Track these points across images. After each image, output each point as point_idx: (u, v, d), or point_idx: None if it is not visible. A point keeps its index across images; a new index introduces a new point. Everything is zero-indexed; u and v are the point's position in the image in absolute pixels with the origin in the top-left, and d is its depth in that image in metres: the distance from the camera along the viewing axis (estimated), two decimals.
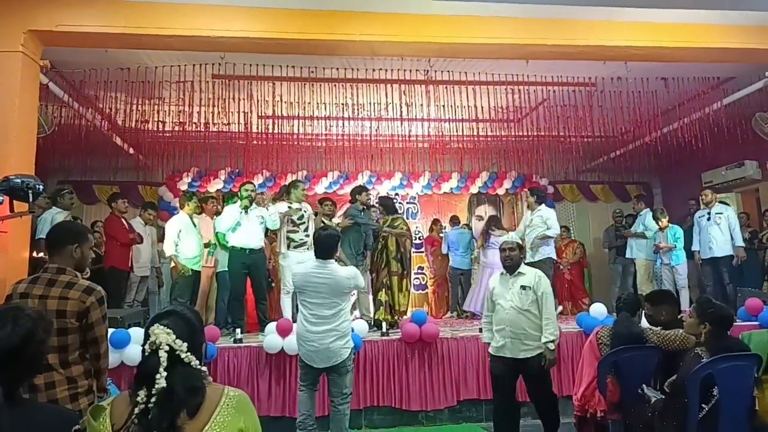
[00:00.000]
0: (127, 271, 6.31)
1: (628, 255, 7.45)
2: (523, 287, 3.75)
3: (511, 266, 3.83)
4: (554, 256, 6.50)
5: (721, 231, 6.55)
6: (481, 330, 4.19)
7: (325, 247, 3.69)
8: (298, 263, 5.67)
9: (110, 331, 3.95)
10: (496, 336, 3.80)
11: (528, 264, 6.05)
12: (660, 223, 6.96)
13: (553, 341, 3.65)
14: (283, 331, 4.79)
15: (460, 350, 5.10)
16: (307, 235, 5.79)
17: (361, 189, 6.26)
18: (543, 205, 6.45)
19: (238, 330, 5.15)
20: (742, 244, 6.51)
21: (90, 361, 2.40)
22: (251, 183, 6.04)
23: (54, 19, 4.20)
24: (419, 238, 9.01)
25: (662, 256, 6.92)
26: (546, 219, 6.26)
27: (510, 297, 3.76)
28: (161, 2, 4.28)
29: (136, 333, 4.53)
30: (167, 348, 1.45)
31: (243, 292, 5.72)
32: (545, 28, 4.66)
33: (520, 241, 4.39)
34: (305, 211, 5.92)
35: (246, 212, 5.59)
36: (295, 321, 4.94)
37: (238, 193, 5.81)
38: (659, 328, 3.44)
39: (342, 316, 3.63)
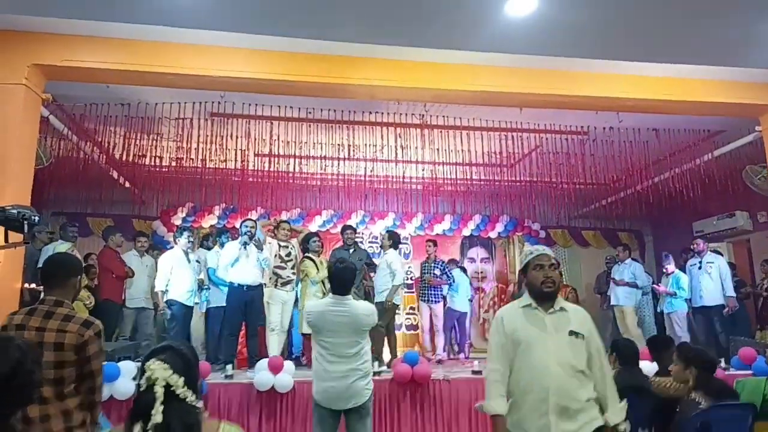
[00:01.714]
0: (120, 304, 6.34)
1: (613, 302, 7.40)
2: (574, 334, 2.38)
3: (551, 294, 2.45)
4: (397, 302, 6.14)
5: (712, 280, 6.57)
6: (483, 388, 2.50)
7: (342, 282, 3.45)
8: (283, 303, 5.68)
9: None
10: (525, 409, 2.32)
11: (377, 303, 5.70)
12: (666, 268, 7.11)
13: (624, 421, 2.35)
14: (274, 369, 4.73)
15: (452, 391, 4.99)
16: (294, 273, 5.84)
17: (345, 227, 6.39)
18: (392, 249, 6.10)
19: (229, 366, 5.11)
20: (733, 294, 6.51)
21: (85, 395, 2.37)
22: (251, 219, 6.06)
23: (60, 54, 4.27)
24: (410, 279, 8.95)
25: (660, 303, 6.91)
26: (390, 263, 5.88)
27: (554, 348, 2.34)
28: (166, 42, 4.38)
29: (126, 366, 4.49)
30: (164, 383, 1.46)
31: (239, 328, 5.68)
32: (539, 78, 4.79)
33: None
34: (292, 249, 5.94)
35: (245, 248, 5.59)
36: (284, 357, 5.08)
37: (239, 229, 5.83)
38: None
39: (364, 355, 3.41)
